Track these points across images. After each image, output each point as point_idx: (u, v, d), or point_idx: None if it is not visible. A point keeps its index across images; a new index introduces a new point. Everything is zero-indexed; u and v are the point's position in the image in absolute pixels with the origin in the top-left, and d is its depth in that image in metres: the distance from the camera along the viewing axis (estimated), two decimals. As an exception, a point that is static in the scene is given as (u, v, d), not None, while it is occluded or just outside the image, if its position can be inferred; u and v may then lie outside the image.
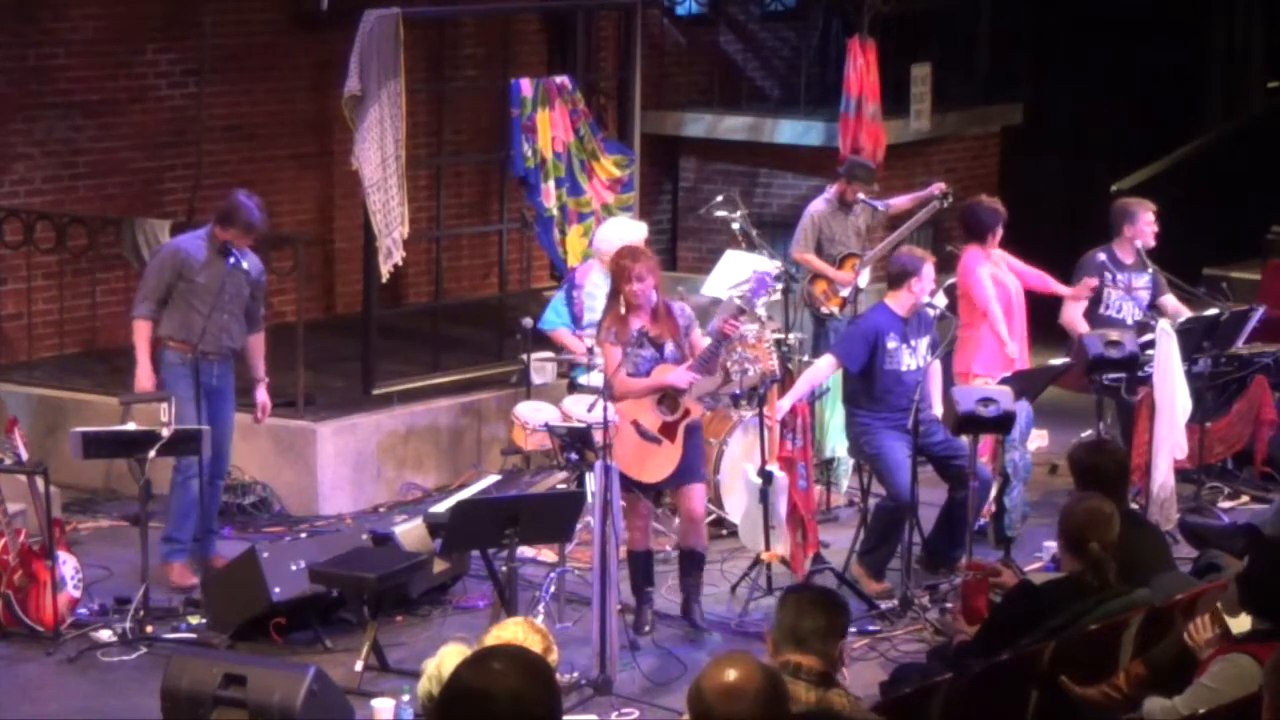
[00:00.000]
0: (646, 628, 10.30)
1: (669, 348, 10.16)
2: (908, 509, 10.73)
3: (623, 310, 10.14)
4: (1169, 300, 12.68)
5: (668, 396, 10.14)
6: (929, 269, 10.99)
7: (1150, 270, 12.63)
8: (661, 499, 10.70)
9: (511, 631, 7.05)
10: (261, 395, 11.27)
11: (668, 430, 10.14)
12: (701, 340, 10.29)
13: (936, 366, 11.33)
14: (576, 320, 12.22)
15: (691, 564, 10.39)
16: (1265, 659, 6.92)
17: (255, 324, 11.21)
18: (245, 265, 10.93)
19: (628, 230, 12.41)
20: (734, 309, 10.48)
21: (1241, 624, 7.70)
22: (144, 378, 10.95)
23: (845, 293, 13.34)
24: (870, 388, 10.89)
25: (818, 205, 13.62)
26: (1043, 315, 12.74)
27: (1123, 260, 12.62)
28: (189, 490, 10.85)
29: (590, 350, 11.89)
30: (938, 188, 13.47)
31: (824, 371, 11.23)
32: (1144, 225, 12.56)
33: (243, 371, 11.56)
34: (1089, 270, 12.61)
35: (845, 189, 13.49)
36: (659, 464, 10.17)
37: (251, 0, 14.29)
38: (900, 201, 13.66)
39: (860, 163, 13.87)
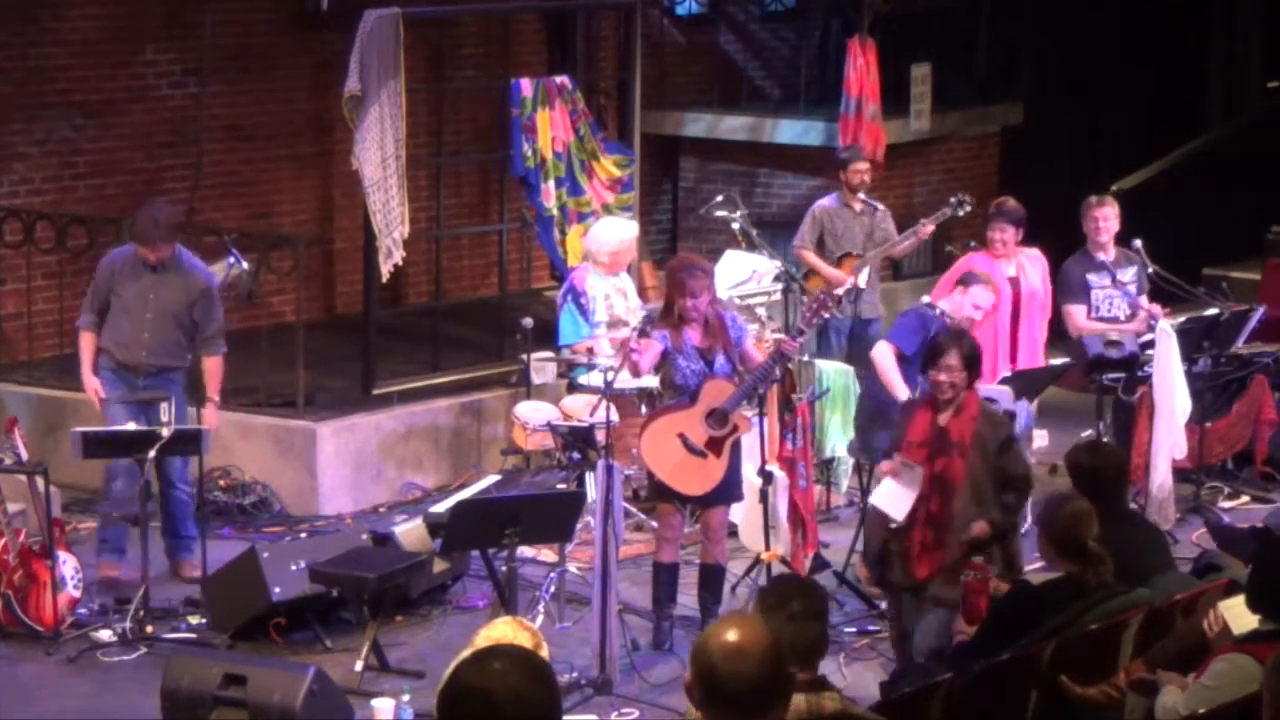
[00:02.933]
0: (667, 644, 10.18)
1: (719, 360, 10.05)
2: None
3: (676, 320, 10.03)
4: (1142, 301, 12.66)
5: (716, 411, 10.00)
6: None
7: (1137, 266, 12.61)
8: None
9: (500, 630, 7.04)
10: (207, 415, 10.87)
11: (714, 445, 9.99)
12: (753, 351, 10.21)
13: None
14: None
15: (712, 578, 10.31)
16: (1265, 659, 6.92)
17: (205, 345, 10.90)
18: (188, 279, 10.81)
19: (619, 230, 12.44)
20: (796, 328, 10.42)
21: (1245, 624, 7.70)
22: (86, 383, 10.94)
23: (840, 292, 13.27)
24: (909, 375, 10.89)
25: (825, 201, 13.63)
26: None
27: (1100, 258, 12.61)
28: (108, 491, 11.00)
29: (591, 351, 11.90)
30: (928, 227, 13.40)
31: (890, 358, 11.13)
32: (1089, 221, 12.57)
33: (244, 374, 11.57)
34: (1072, 279, 12.60)
35: (845, 178, 13.50)
36: (703, 478, 10.04)
37: (251, 0, 14.29)
38: (904, 246, 13.64)
39: (845, 148, 14.07)
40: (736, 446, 10.17)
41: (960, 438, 9.21)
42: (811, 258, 13.41)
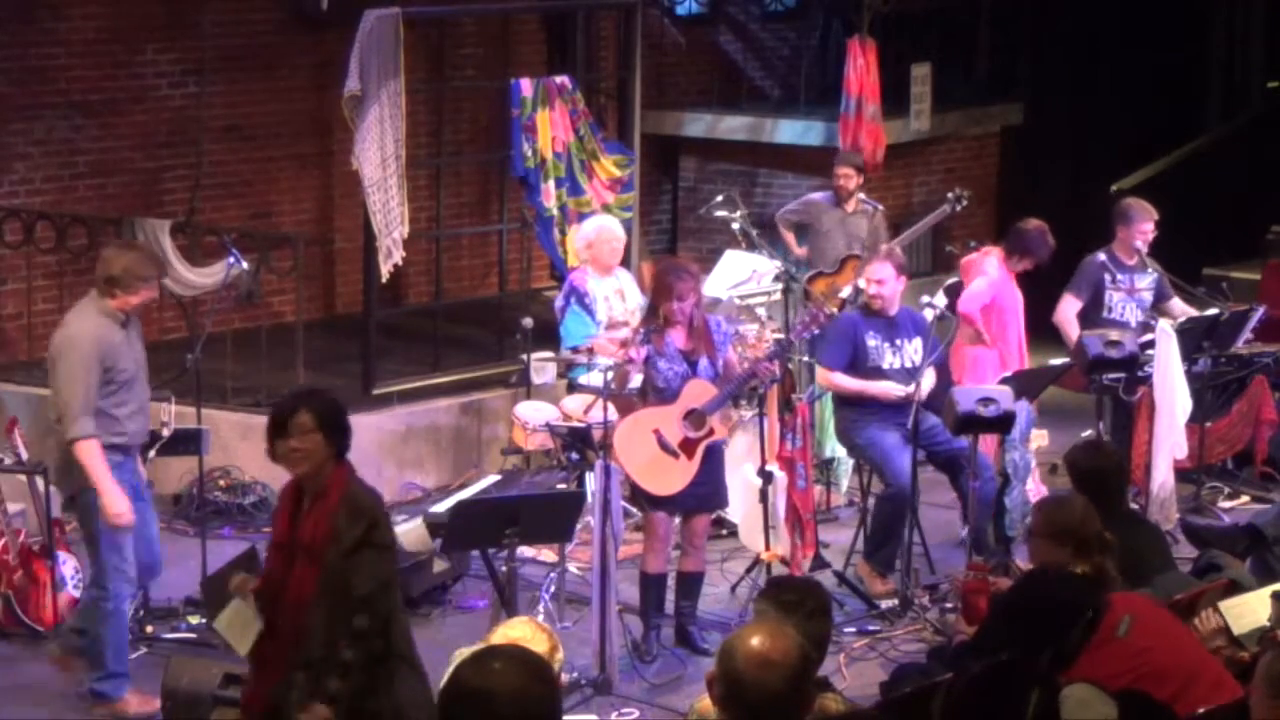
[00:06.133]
0: (654, 651, 10.12)
1: (702, 363, 10.05)
2: (907, 496, 10.69)
3: (661, 323, 10.02)
4: (1176, 304, 12.66)
5: (694, 412, 9.97)
6: (876, 267, 10.99)
7: (1154, 272, 12.62)
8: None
9: (520, 630, 7.02)
10: None
11: (687, 446, 9.96)
12: (735, 360, 10.19)
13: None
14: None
15: (690, 586, 10.27)
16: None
17: None
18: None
19: (596, 220, 12.49)
20: (777, 349, 10.42)
21: (1245, 625, 7.71)
22: (113, 506, 9.14)
23: (845, 293, 13.29)
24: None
25: (819, 194, 13.77)
26: (1039, 312, 12.71)
27: (1124, 261, 12.61)
28: (122, 616, 9.29)
29: (591, 351, 11.90)
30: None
31: (839, 378, 11.11)
32: (1138, 231, 12.54)
33: (244, 374, 11.53)
34: (1089, 274, 12.60)
35: (836, 175, 13.60)
36: (671, 477, 9.99)
37: (251, 0, 14.29)
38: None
39: (843, 153, 14.25)
40: (719, 456, 10.17)
41: (311, 538, 6.95)
42: (784, 228, 13.82)
